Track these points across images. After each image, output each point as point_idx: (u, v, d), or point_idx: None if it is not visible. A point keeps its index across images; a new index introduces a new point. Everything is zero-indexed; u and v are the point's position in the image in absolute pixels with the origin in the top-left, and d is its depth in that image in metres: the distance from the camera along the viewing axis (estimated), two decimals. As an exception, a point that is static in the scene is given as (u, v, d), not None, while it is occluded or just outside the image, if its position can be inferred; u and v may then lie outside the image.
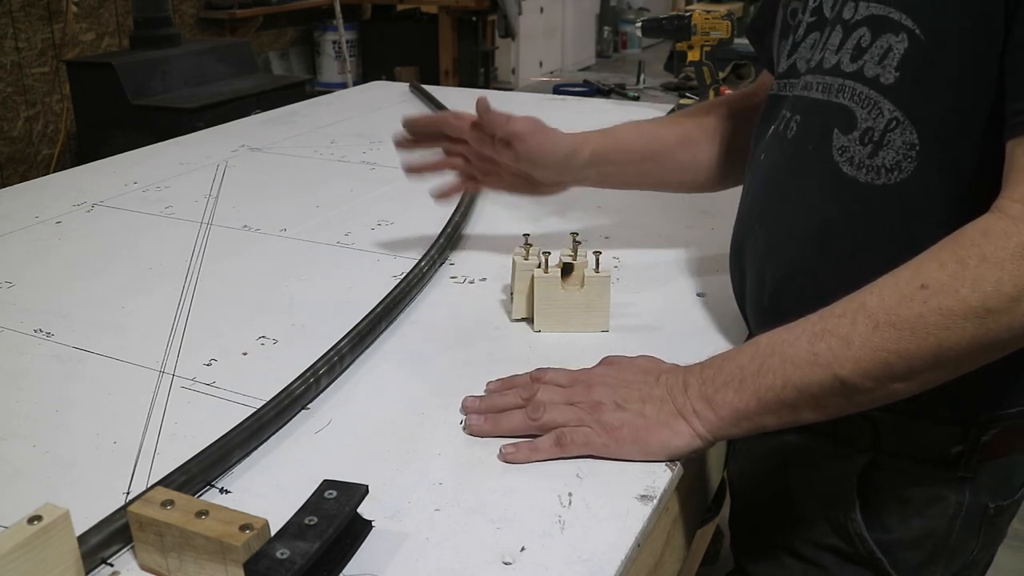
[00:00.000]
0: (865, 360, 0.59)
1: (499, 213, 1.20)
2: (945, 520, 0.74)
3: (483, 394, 0.73)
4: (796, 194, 0.74)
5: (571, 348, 0.82)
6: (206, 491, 0.62)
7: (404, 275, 0.94)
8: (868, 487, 0.75)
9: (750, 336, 0.84)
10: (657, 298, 0.93)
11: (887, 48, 0.66)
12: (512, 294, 0.87)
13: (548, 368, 0.73)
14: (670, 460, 0.65)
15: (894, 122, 0.66)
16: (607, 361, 0.73)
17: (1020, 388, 0.71)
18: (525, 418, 0.67)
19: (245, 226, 1.14)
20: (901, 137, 0.66)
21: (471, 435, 0.68)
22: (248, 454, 0.66)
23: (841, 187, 0.70)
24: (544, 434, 0.66)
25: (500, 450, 0.66)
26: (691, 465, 0.70)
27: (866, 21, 0.67)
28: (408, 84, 2.02)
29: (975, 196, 0.63)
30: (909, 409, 0.69)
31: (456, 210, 1.13)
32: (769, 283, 0.77)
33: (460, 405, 0.72)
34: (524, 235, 0.87)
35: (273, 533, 0.53)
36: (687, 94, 2.07)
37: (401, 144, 0.97)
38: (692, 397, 0.65)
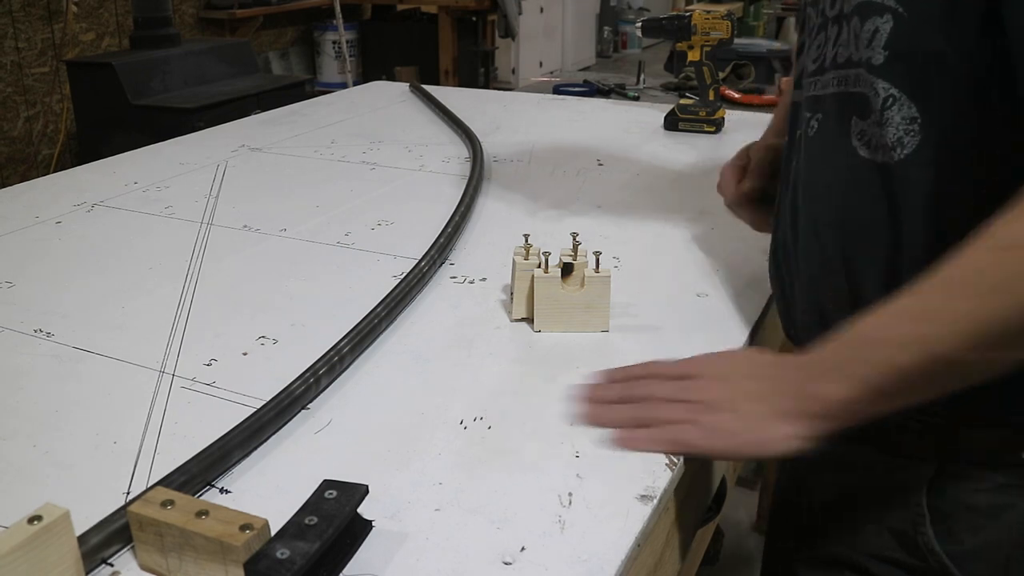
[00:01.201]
0: (967, 332, 0.59)
1: (499, 213, 1.20)
2: (1017, 528, 0.72)
3: (594, 382, 0.73)
4: (821, 189, 0.75)
5: (571, 348, 0.82)
6: (206, 491, 0.62)
7: (404, 275, 0.94)
8: (936, 497, 0.73)
9: (788, 340, 0.84)
10: (657, 298, 0.93)
11: (874, 30, 0.67)
12: (512, 294, 0.87)
13: (658, 361, 0.73)
14: (776, 457, 0.65)
15: (890, 99, 0.67)
16: (714, 356, 0.73)
17: None
18: (632, 412, 0.68)
19: (245, 226, 1.14)
20: (900, 113, 0.66)
21: (582, 424, 0.69)
22: (248, 454, 0.66)
23: (859, 172, 0.70)
24: (648, 428, 0.67)
25: (611, 435, 0.67)
26: (691, 465, 0.70)
27: (856, 10, 0.68)
28: (408, 84, 2.02)
29: (985, 162, 0.63)
30: (971, 414, 0.69)
31: (456, 210, 1.13)
32: (808, 282, 0.78)
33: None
34: (524, 235, 0.87)
35: (273, 533, 0.53)
36: (687, 94, 2.07)
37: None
38: (797, 394, 0.65)
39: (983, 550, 0.73)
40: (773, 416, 0.65)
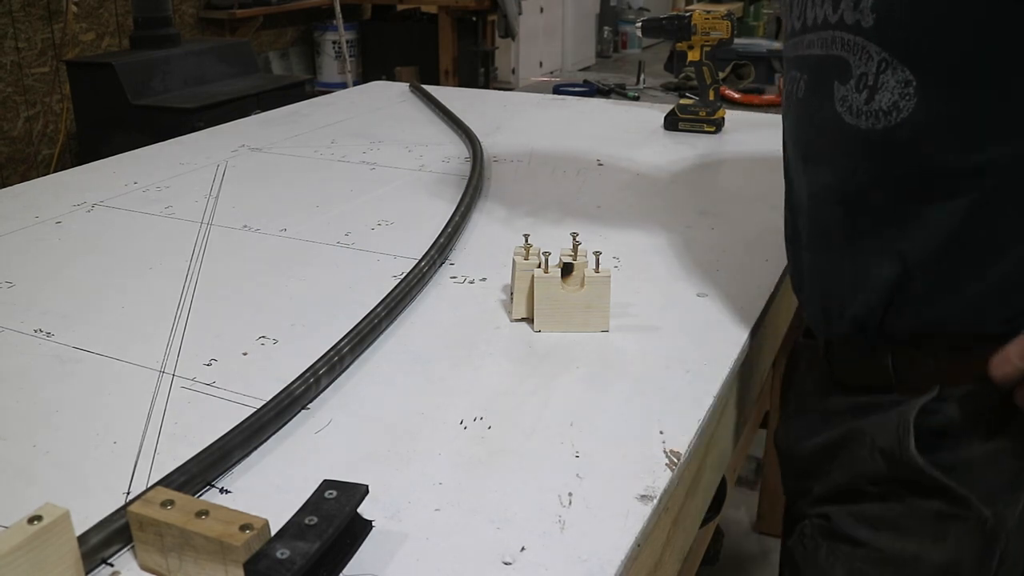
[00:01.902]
0: None
1: (499, 213, 1.20)
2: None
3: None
4: (813, 154, 0.75)
5: (571, 348, 0.82)
6: (206, 491, 0.62)
7: (404, 275, 0.94)
8: (935, 413, 0.72)
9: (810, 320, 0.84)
10: (657, 298, 0.93)
11: None
12: (512, 294, 0.87)
13: None
14: None
15: (883, 63, 0.66)
16: None
17: None
18: None
19: (245, 226, 1.14)
20: (894, 77, 0.65)
21: None
22: (248, 454, 0.66)
23: (847, 139, 0.70)
24: None
25: None
26: (691, 465, 0.70)
27: None
28: (408, 84, 2.02)
29: (988, 122, 0.63)
30: (971, 333, 0.68)
31: (456, 210, 1.13)
32: (810, 244, 0.78)
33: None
34: (524, 235, 0.87)
35: (273, 533, 0.53)
36: (687, 94, 2.07)
37: None
38: None
39: (986, 456, 0.71)
40: None
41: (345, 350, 0.78)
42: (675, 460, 0.66)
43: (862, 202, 0.72)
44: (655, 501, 0.61)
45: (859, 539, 0.76)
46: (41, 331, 0.86)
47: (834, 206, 0.74)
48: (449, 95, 1.88)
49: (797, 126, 0.78)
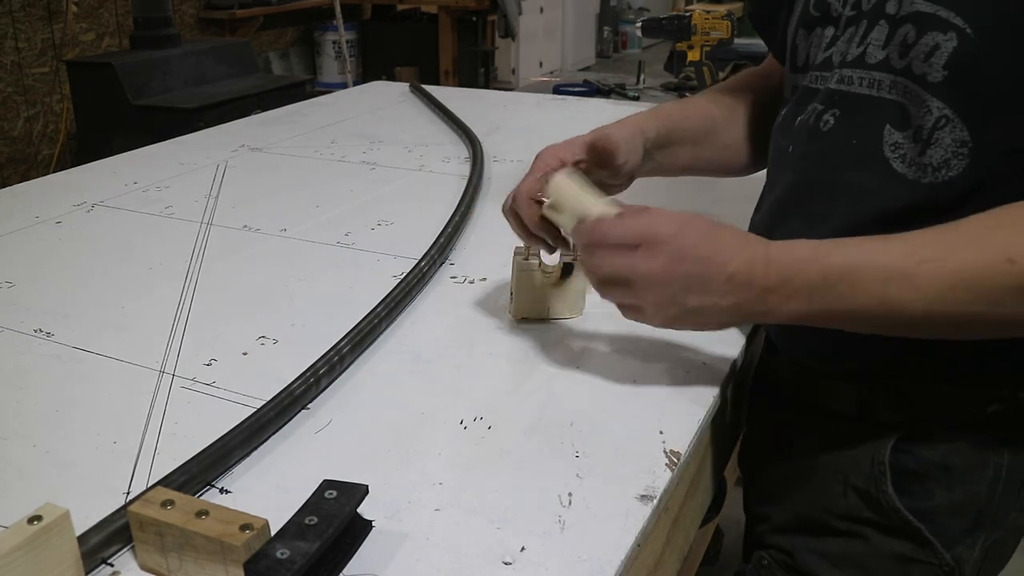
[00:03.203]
0: (936, 315, 0.61)
1: (499, 213, 1.20)
2: (986, 484, 0.73)
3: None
4: (838, 189, 0.74)
5: (571, 348, 0.82)
6: (206, 491, 0.62)
7: (404, 275, 0.94)
8: (903, 456, 0.74)
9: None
10: (657, 298, 0.93)
11: (933, 46, 0.65)
12: (512, 294, 0.87)
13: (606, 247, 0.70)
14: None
15: (943, 120, 0.65)
16: (663, 249, 0.67)
17: None
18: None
19: (245, 226, 1.14)
20: (951, 135, 0.65)
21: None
22: (248, 454, 0.66)
23: (889, 183, 0.69)
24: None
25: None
26: (691, 465, 0.70)
27: (911, 18, 0.66)
28: (408, 84, 2.02)
29: None
30: (939, 373, 0.69)
31: (456, 210, 1.13)
32: None
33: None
34: None
35: (273, 533, 0.53)
36: (687, 94, 2.07)
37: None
38: (759, 302, 0.66)
39: (953, 506, 0.73)
40: (736, 316, 0.68)
41: (345, 350, 0.78)
42: (675, 460, 0.66)
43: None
44: (655, 501, 0.61)
45: None
46: (41, 331, 0.86)
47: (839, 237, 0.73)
48: (449, 95, 1.88)
49: (823, 158, 0.75)
